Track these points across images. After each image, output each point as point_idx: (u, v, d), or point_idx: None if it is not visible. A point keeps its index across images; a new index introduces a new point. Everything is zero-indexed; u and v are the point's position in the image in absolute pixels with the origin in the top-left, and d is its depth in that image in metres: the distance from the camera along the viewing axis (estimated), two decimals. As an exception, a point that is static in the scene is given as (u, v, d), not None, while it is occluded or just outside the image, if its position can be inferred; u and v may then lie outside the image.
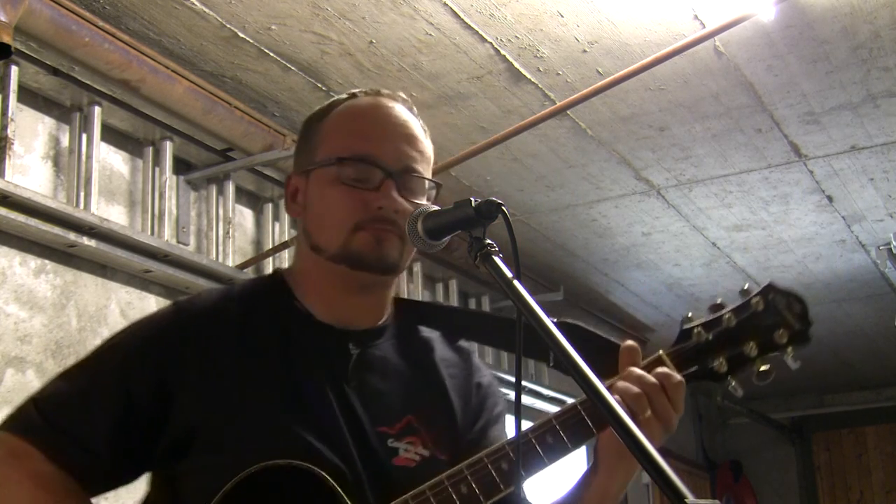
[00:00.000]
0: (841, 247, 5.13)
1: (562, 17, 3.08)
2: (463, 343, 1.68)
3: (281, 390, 1.46)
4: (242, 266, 3.63)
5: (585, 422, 1.46)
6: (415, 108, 1.63)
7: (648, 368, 1.48)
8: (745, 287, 1.56)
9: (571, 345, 1.15)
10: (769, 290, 1.54)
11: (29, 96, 3.06)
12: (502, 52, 3.25)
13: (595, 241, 4.95)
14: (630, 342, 1.52)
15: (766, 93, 3.60)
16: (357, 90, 1.63)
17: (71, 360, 2.96)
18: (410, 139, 1.57)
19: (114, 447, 1.43)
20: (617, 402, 1.10)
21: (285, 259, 3.87)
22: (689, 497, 0.95)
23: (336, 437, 1.44)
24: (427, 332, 1.65)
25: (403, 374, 1.56)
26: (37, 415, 1.45)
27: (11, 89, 2.87)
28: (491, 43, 3.20)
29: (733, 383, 1.53)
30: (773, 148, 4.03)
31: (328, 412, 1.45)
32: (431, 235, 1.40)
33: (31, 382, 2.86)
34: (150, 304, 3.32)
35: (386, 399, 1.52)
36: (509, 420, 1.57)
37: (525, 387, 5.00)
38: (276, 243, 3.83)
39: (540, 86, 3.46)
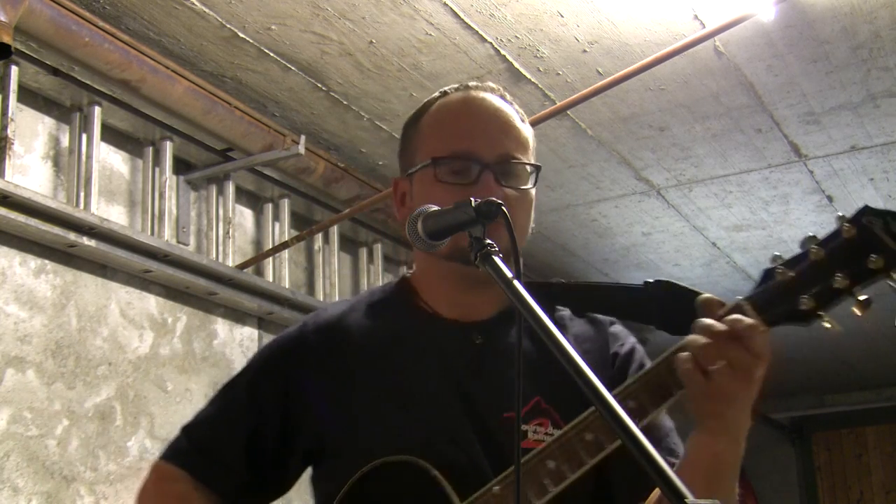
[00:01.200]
0: (841, 247, 5.12)
1: (562, 17, 3.08)
2: (598, 316, 1.64)
3: (401, 390, 1.50)
4: (242, 266, 3.63)
5: (660, 384, 1.38)
6: (507, 95, 1.63)
7: (724, 317, 1.35)
8: (839, 214, 1.41)
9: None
10: (863, 213, 1.38)
11: (29, 96, 3.06)
12: (502, 52, 3.25)
13: (595, 241, 4.95)
14: (707, 295, 1.39)
15: (766, 93, 3.59)
16: (448, 87, 1.64)
17: (71, 361, 2.98)
18: (504, 127, 1.56)
19: (249, 461, 1.54)
20: (621, 405, 1.09)
21: (285, 259, 3.87)
22: (689, 497, 0.95)
23: (456, 430, 1.46)
24: (560, 310, 1.62)
25: (530, 357, 1.51)
26: (184, 440, 1.61)
27: (11, 89, 2.87)
28: (491, 43, 3.20)
29: (826, 320, 1.39)
30: (773, 148, 4.03)
31: (448, 406, 1.48)
32: (432, 236, 1.40)
33: (31, 382, 2.86)
34: (149, 303, 3.32)
35: (510, 386, 1.50)
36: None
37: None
38: (276, 243, 3.83)
39: (540, 86, 3.46)
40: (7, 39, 2.53)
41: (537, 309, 1.19)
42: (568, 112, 3.57)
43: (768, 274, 1.39)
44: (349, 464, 1.45)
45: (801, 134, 3.92)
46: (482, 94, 1.60)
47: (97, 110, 3.15)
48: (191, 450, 1.58)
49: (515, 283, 1.22)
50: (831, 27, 3.18)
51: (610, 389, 1.50)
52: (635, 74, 3.07)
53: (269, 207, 3.92)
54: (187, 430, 1.62)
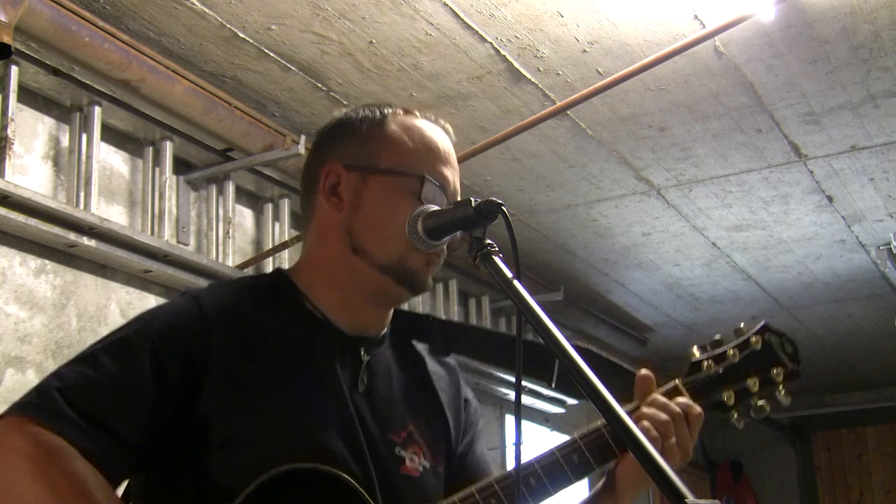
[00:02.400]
0: (841, 247, 5.13)
1: (562, 17, 3.08)
2: (448, 359, 1.70)
3: (298, 392, 1.45)
4: (242, 266, 3.63)
5: (609, 444, 1.52)
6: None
7: (667, 397, 1.57)
8: (741, 325, 1.70)
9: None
10: (765, 329, 1.68)
11: (29, 96, 3.06)
12: (502, 52, 3.25)
13: (595, 241, 4.95)
14: (646, 371, 1.60)
15: (766, 93, 3.60)
16: (405, 108, 1.61)
17: (71, 360, 2.97)
18: (456, 167, 1.59)
19: (146, 437, 1.37)
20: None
21: (285, 259, 3.87)
22: (689, 497, 0.95)
23: (353, 442, 1.45)
24: (418, 345, 1.66)
25: (403, 384, 1.58)
26: (66, 406, 1.33)
27: (11, 89, 2.87)
28: (491, 43, 3.20)
29: (735, 416, 1.65)
30: (773, 148, 4.03)
31: (346, 416, 1.46)
32: (431, 235, 1.40)
33: (31, 382, 2.85)
34: (149, 303, 3.32)
35: (392, 407, 1.53)
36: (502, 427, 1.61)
37: (525, 387, 5.01)
38: (276, 243, 3.83)
39: (540, 86, 3.46)
40: (7, 39, 2.53)
41: (538, 309, 1.19)
42: (568, 112, 3.57)
43: (696, 365, 1.65)
44: (243, 459, 1.36)
45: (801, 134, 3.92)
46: (443, 126, 1.61)
47: (97, 110, 3.15)
48: (81, 422, 1.31)
49: (515, 283, 1.22)
50: (831, 27, 3.18)
51: (460, 432, 1.64)
52: (635, 74, 3.07)
53: (269, 207, 3.92)
54: (65, 392, 1.36)
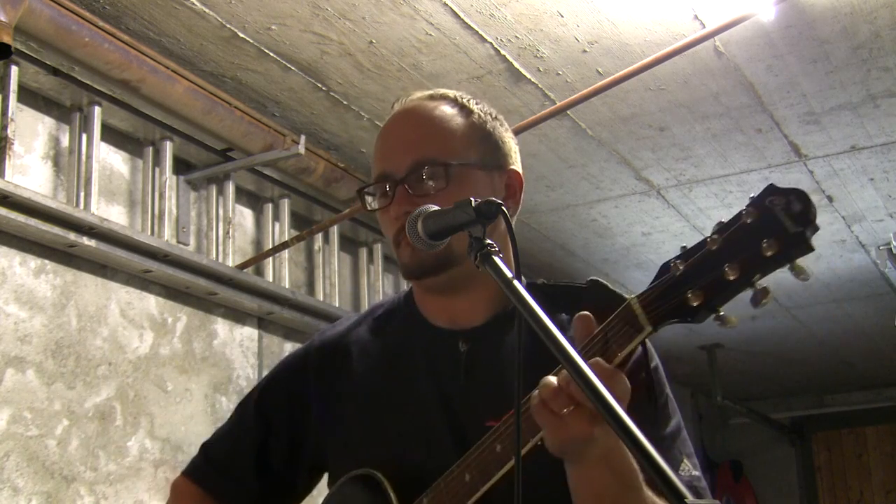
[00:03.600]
0: (841, 247, 5.12)
1: (562, 17, 3.08)
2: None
3: (388, 399, 1.54)
4: (242, 266, 3.63)
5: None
6: (443, 93, 1.60)
7: (608, 326, 1.29)
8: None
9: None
10: (766, 193, 1.20)
11: (29, 96, 3.06)
12: (502, 52, 3.25)
13: (595, 241, 4.95)
14: (584, 312, 1.32)
15: (766, 93, 3.60)
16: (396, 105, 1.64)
17: (71, 361, 2.98)
18: (413, 134, 1.54)
19: (259, 474, 1.63)
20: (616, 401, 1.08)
21: (285, 259, 3.87)
22: (689, 497, 0.95)
23: (433, 437, 1.48)
24: (560, 314, 1.54)
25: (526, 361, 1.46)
26: (201, 456, 1.71)
27: (11, 89, 2.87)
28: (491, 43, 3.20)
29: (719, 314, 1.22)
30: (773, 148, 4.03)
31: (427, 412, 1.50)
32: (432, 236, 1.40)
33: (31, 382, 2.86)
34: (149, 303, 3.32)
35: (495, 392, 1.47)
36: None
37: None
38: (276, 243, 3.83)
39: (540, 86, 3.46)
40: (7, 39, 2.53)
41: (537, 309, 1.18)
42: (568, 112, 3.57)
43: (664, 268, 1.26)
44: (338, 475, 1.54)
45: (801, 134, 3.92)
46: (400, 109, 1.59)
47: (97, 110, 3.15)
48: (206, 466, 1.69)
49: (515, 283, 1.22)
50: (831, 27, 3.18)
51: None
52: (635, 74, 3.07)
53: (269, 207, 3.92)
54: (205, 447, 1.72)
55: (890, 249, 5.04)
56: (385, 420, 1.53)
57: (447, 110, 1.57)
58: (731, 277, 1.19)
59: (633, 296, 1.28)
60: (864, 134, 3.94)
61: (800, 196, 1.17)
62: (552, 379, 1.25)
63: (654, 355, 1.54)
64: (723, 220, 1.23)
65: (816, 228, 1.16)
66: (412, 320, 1.61)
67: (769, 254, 1.17)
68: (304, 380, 1.62)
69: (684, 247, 1.25)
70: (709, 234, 1.23)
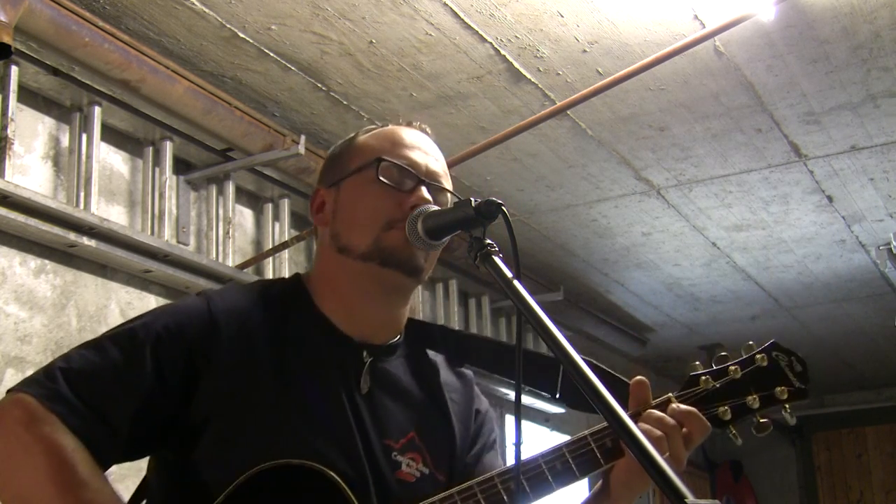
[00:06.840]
0: (841, 247, 5.13)
1: (562, 17, 3.08)
2: (465, 369, 1.73)
3: (297, 395, 1.49)
4: (242, 266, 3.63)
5: (595, 454, 1.51)
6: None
7: (660, 409, 1.54)
8: (750, 343, 1.67)
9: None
10: (773, 347, 1.64)
11: (29, 96, 3.05)
12: (502, 52, 3.25)
13: (595, 241, 4.95)
14: (640, 378, 1.57)
15: (766, 93, 3.60)
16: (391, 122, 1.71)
17: (71, 360, 2.97)
18: (435, 155, 1.64)
19: (136, 425, 1.43)
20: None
21: (285, 259, 3.87)
22: (689, 497, 0.96)
23: (348, 445, 1.47)
24: (433, 354, 1.68)
25: (410, 393, 1.60)
26: (66, 387, 1.40)
27: (11, 89, 2.87)
28: (491, 43, 3.20)
29: (734, 432, 1.62)
30: (773, 148, 4.03)
31: (342, 420, 1.49)
32: (431, 235, 1.41)
33: (31, 382, 2.86)
34: (150, 304, 3.32)
35: (393, 414, 1.56)
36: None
37: (525, 387, 4.99)
38: (276, 243, 3.83)
39: (540, 86, 3.46)
40: (7, 39, 2.53)
41: (538, 309, 1.19)
42: (568, 112, 3.57)
43: (693, 379, 1.61)
44: (245, 456, 1.40)
45: (801, 134, 3.92)
46: (418, 128, 1.68)
47: (97, 110, 3.15)
48: (76, 403, 1.39)
49: (515, 283, 1.22)
50: (831, 27, 3.18)
51: (469, 442, 1.65)
52: (635, 74, 3.07)
53: (269, 207, 3.92)
54: (68, 374, 1.41)
55: (890, 249, 5.05)
56: (297, 416, 1.47)
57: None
58: (754, 406, 1.61)
59: (671, 394, 1.58)
60: (864, 134, 3.94)
61: (800, 360, 1.65)
62: (653, 429, 1.50)
63: None
64: (728, 355, 1.65)
65: (809, 383, 1.64)
66: (313, 317, 1.57)
67: (782, 398, 1.61)
68: (211, 341, 1.47)
69: (695, 365, 1.65)
70: (715, 361, 1.64)
